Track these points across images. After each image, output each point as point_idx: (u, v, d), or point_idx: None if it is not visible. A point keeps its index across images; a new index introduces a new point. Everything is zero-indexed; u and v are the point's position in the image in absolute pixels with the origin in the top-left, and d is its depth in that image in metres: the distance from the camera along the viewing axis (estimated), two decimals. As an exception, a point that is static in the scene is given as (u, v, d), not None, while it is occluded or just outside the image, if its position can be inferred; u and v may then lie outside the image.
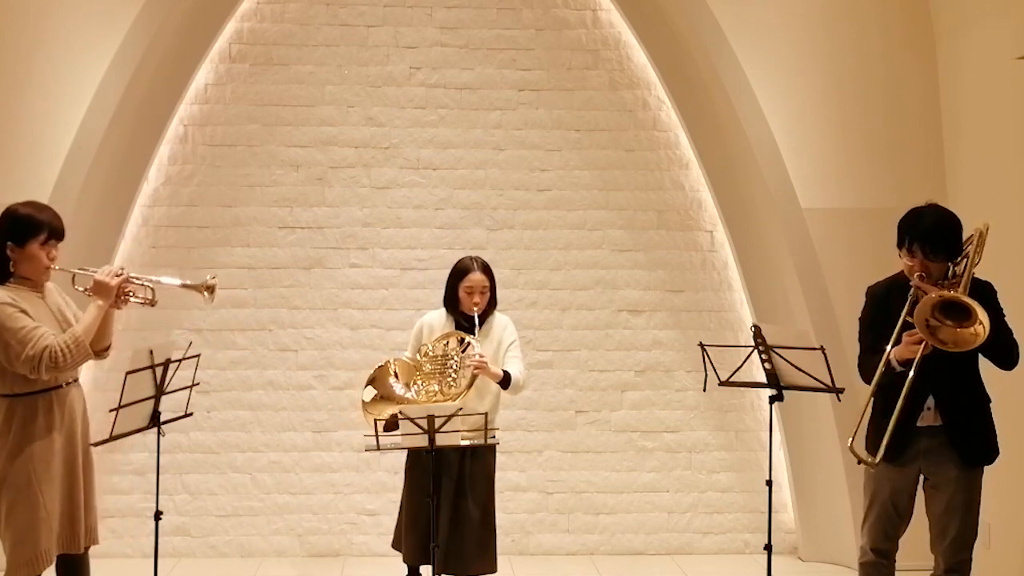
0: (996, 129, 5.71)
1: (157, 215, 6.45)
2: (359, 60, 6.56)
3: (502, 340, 4.89)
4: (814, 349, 4.35)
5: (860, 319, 4.41)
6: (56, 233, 4.11)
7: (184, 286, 4.45)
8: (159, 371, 4.20)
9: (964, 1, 5.97)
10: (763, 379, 4.67)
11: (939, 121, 6.20)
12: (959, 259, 4.12)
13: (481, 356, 4.68)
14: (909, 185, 5.92)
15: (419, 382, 4.74)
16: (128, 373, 4.04)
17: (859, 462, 4.13)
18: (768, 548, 4.79)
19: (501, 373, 4.77)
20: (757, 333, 4.52)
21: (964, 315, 3.89)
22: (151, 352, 4.16)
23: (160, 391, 4.25)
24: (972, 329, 3.87)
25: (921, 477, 4.24)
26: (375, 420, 4.53)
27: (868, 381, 4.21)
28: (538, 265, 6.59)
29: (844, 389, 4.40)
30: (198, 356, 4.47)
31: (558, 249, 6.61)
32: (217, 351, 6.38)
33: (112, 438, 4.05)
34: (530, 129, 6.61)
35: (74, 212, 5.66)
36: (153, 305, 4.35)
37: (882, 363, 4.08)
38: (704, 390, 5.06)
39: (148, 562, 4.54)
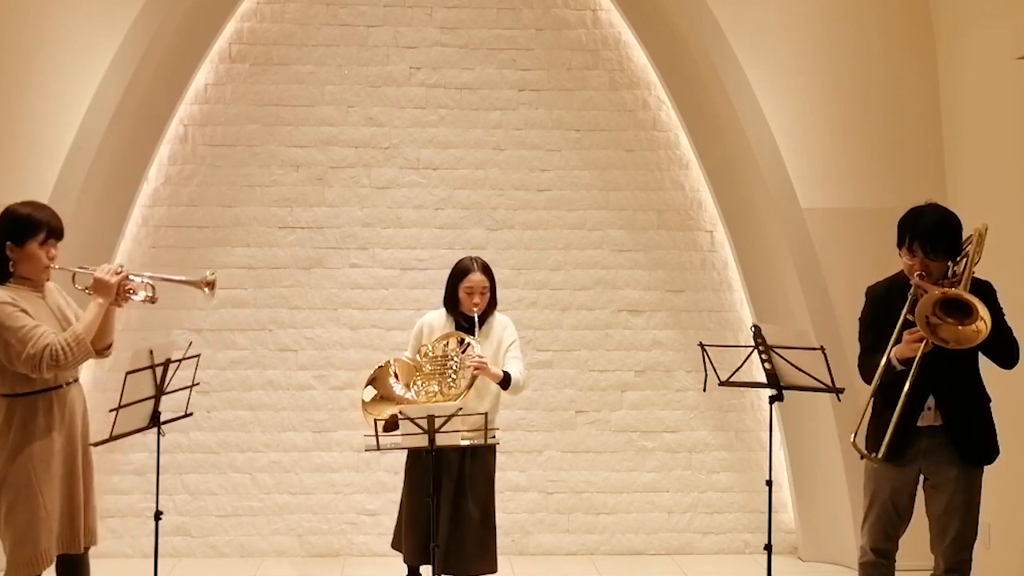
0: (996, 129, 5.71)
1: (157, 215, 6.45)
2: (359, 60, 6.56)
3: (502, 340, 4.89)
4: (814, 349, 4.35)
5: (860, 319, 4.41)
6: (55, 232, 4.11)
7: (184, 282, 4.46)
8: (159, 371, 4.20)
9: (964, 1, 5.97)
10: (763, 379, 4.67)
11: (939, 121, 6.20)
12: (959, 258, 4.12)
13: (481, 357, 4.68)
14: (909, 185, 5.91)
15: (419, 382, 4.74)
16: (128, 373, 4.04)
17: (861, 457, 4.13)
18: (768, 548, 4.79)
19: (501, 374, 4.76)
20: (757, 333, 4.52)
21: (965, 312, 3.89)
22: (151, 352, 4.16)
23: (160, 391, 4.25)
24: (974, 326, 3.87)
25: (921, 477, 4.24)
26: (375, 420, 4.52)
27: (868, 381, 4.21)
28: (538, 265, 6.59)
29: (844, 389, 4.40)
30: (198, 356, 4.47)
31: (558, 249, 6.61)
32: (217, 351, 6.38)
33: (112, 438, 4.05)
34: (530, 129, 6.61)
35: (74, 212, 5.66)
36: (154, 302, 4.35)
37: (883, 362, 4.08)
38: (704, 390, 5.06)
39: (148, 562, 4.54)
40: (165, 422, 4.32)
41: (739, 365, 4.71)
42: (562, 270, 6.60)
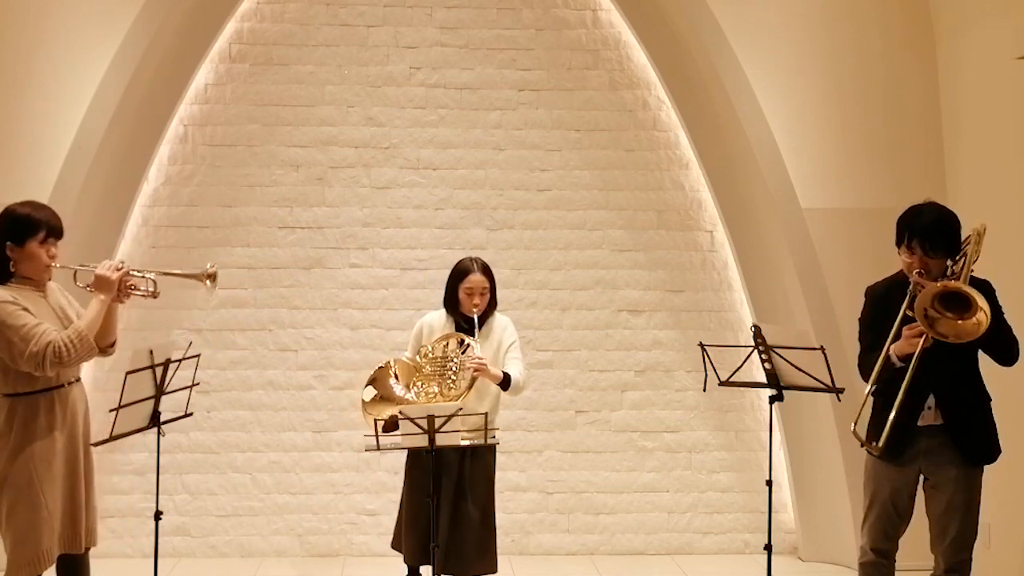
0: (996, 129, 5.71)
1: (157, 215, 6.45)
2: (359, 60, 6.56)
3: (502, 341, 4.89)
4: (814, 349, 4.35)
5: (860, 319, 4.41)
6: (54, 231, 4.12)
7: (185, 275, 4.47)
8: (159, 371, 4.20)
9: (964, 1, 5.97)
10: (763, 379, 4.67)
11: (939, 121, 6.20)
12: (957, 257, 4.12)
13: (481, 358, 4.68)
14: (909, 185, 5.91)
15: (419, 383, 4.74)
16: (128, 373, 4.04)
17: (861, 445, 4.12)
18: (768, 548, 4.79)
19: (501, 375, 4.76)
20: (757, 333, 4.52)
21: (964, 306, 3.90)
22: (151, 352, 4.16)
23: (160, 391, 4.25)
24: (975, 319, 3.88)
25: (921, 477, 4.24)
26: (375, 420, 4.52)
27: (868, 380, 4.21)
28: (538, 265, 6.59)
29: (844, 389, 4.40)
30: (198, 356, 4.47)
31: (558, 249, 6.61)
32: (217, 351, 6.38)
33: (112, 438, 4.04)
34: (530, 129, 6.61)
35: (74, 212, 5.67)
36: (155, 297, 4.36)
37: (882, 357, 4.09)
38: (704, 390, 5.06)
39: (148, 562, 4.54)
40: (165, 422, 4.32)
41: (739, 365, 4.71)
42: (562, 270, 6.60)
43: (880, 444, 4.07)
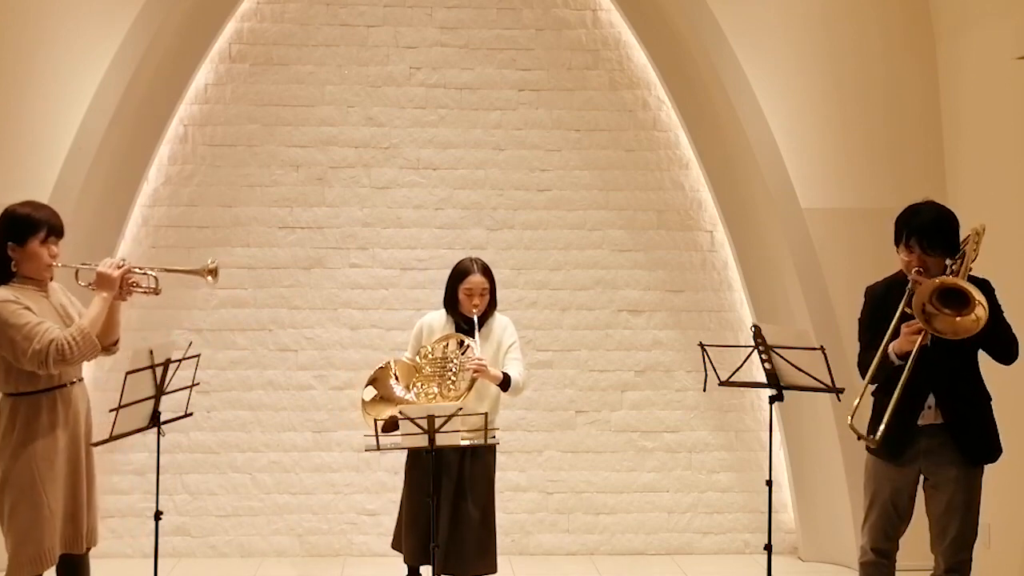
0: (996, 129, 5.71)
1: (157, 215, 6.45)
2: (359, 60, 6.56)
3: (502, 341, 4.89)
4: (814, 349, 4.35)
5: (860, 319, 4.41)
6: (55, 230, 4.12)
7: (186, 271, 4.49)
8: (159, 371, 4.20)
9: (964, 1, 5.97)
10: (763, 379, 4.67)
11: (939, 121, 6.20)
12: (956, 257, 4.12)
13: (480, 360, 4.68)
14: (909, 185, 5.91)
15: (419, 384, 4.74)
16: (128, 373, 4.04)
17: (859, 438, 4.11)
18: (768, 548, 4.79)
19: (501, 375, 4.76)
20: (757, 333, 4.52)
21: (962, 302, 3.90)
22: (151, 352, 4.16)
23: (160, 391, 4.25)
24: (973, 315, 3.88)
25: (921, 477, 4.24)
26: (375, 420, 4.52)
27: (871, 381, 4.21)
28: (538, 265, 6.59)
29: (844, 389, 4.40)
30: (198, 356, 4.47)
31: (558, 249, 6.61)
32: (217, 351, 6.38)
33: (112, 438, 4.04)
34: (530, 129, 6.61)
35: (74, 212, 5.66)
36: (157, 294, 4.36)
37: (879, 354, 4.08)
38: (704, 390, 5.06)
39: (148, 562, 4.54)
40: (165, 422, 4.32)
41: (739, 365, 4.71)
42: (562, 270, 6.60)
43: (877, 438, 4.06)
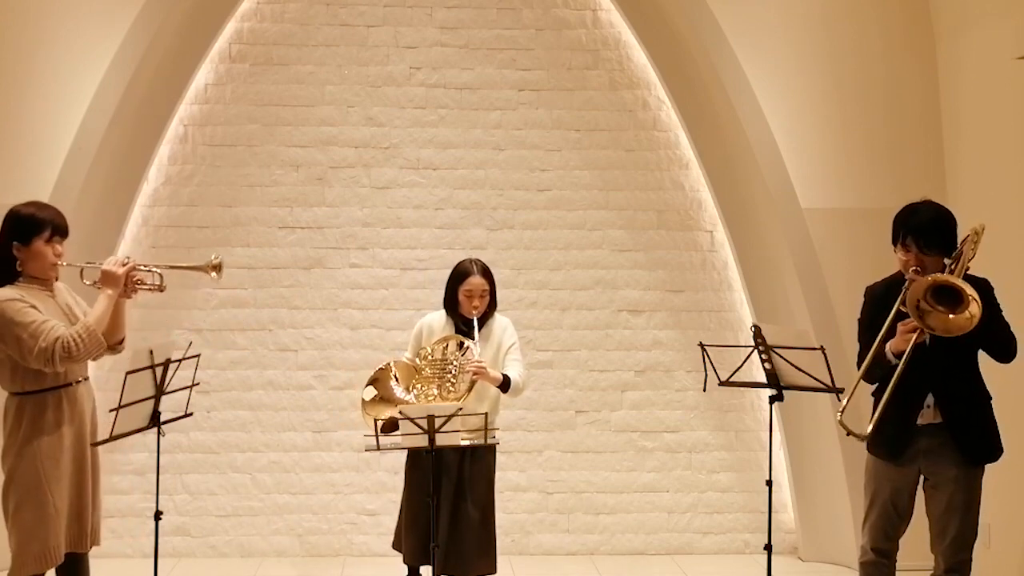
0: (996, 129, 5.71)
1: (157, 215, 6.45)
2: (359, 60, 6.56)
3: (502, 342, 4.89)
4: (814, 349, 4.34)
5: (859, 319, 4.41)
6: (60, 230, 4.15)
7: (190, 268, 4.52)
8: (159, 371, 4.20)
9: (964, 1, 5.97)
10: (763, 379, 4.67)
11: (939, 121, 6.20)
12: (954, 255, 4.12)
13: (480, 362, 4.67)
14: (909, 185, 5.90)
15: (419, 386, 4.74)
16: (128, 373, 4.04)
17: (848, 433, 4.10)
18: (768, 548, 4.79)
19: (500, 377, 4.75)
20: (757, 333, 4.52)
21: (956, 300, 3.90)
22: (151, 352, 4.16)
23: (160, 391, 4.25)
24: (967, 313, 3.88)
25: (921, 477, 4.24)
26: (375, 420, 4.52)
27: (868, 380, 4.22)
28: (538, 265, 6.59)
29: (844, 389, 4.39)
30: (198, 356, 4.48)
31: (558, 249, 6.61)
32: (217, 351, 6.38)
33: (112, 438, 4.05)
34: (530, 129, 6.61)
35: (74, 212, 5.63)
36: (162, 291, 4.39)
37: (872, 350, 4.08)
38: (704, 390, 5.06)
39: (148, 562, 4.54)
40: (165, 422, 4.32)
41: (739, 365, 4.71)
42: (562, 270, 6.60)
43: (867, 434, 4.05)
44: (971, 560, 4.21)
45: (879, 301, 4.28)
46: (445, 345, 4.76)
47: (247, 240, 6.48)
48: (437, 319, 4.93)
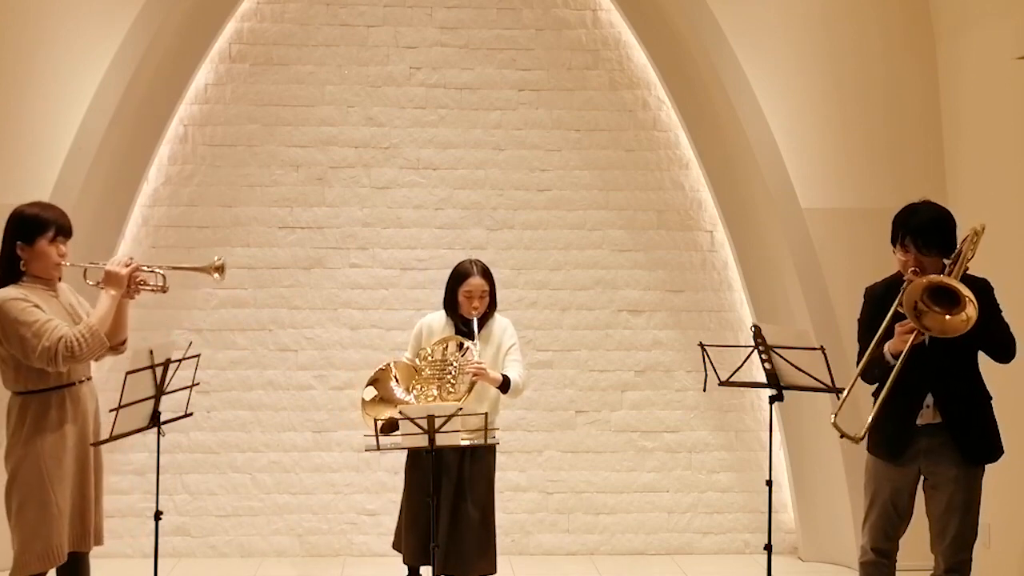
0: (996, 129, 5.71)
1: (157, 215, 6.45)
2: (359, 60, 6.56)
3: (502, 343, 4.89)
4: (814, 349, 4.35)
5: (859, 319, 4.41)
6: (63, 230, 4.17)
7: (193, 269, 4.53)
8: (159, 371, 4.20)
9: (964, 1, 5.97)
10: (763, 379, 4.67)
11: (939, 121, 6.20)
12: (953, 256, 4.12)
13: (479, 363, 4.67)
14: (909, 185, 5.90)
15: (418, 387, 4.74)
16: (128, 373, 4.05)
17: (841, 436, 4.10)
18: (768, 548, 4.79)
19: (500, 378, 4.75)
20: (757, 333, 4.52)
21: (953, 301, 3.90)
22: (151, 352, 4.17)
23: (160, 391, 4.25)
24: (963, 315, 3.88)
25: (921, 477, 4.24)
26: (374, 420, 4.52)
27: (868, 381, 4.22)
28: (538, 265, 6.59)
29: (844, 389, 4.40)
30: (198, 356, 4.48)
31: (558, 249, 6.61)
32: (217, 351, 6.38)
33: (112, 438, 4.05)
34: (530, 129, 6.61)
35: (74, 212, 5.57)
36: (165, 291, 4.41)
37: (869, 350, 4.08)
38: (704, 390, 5.06)
39: (148, 562, 4.54)
40: (165, 422, 4.32)
41: (739, 365, 4.71)
42: (562, 270, 6.60)
43: (862, 435, 4.05)
44: (971, 560, 4.21)
45: (879, 301, 4.28)
46: (445, 346, 4.76)
47: (247, 240, 6.49)
48: (437, 319, 4.93)
